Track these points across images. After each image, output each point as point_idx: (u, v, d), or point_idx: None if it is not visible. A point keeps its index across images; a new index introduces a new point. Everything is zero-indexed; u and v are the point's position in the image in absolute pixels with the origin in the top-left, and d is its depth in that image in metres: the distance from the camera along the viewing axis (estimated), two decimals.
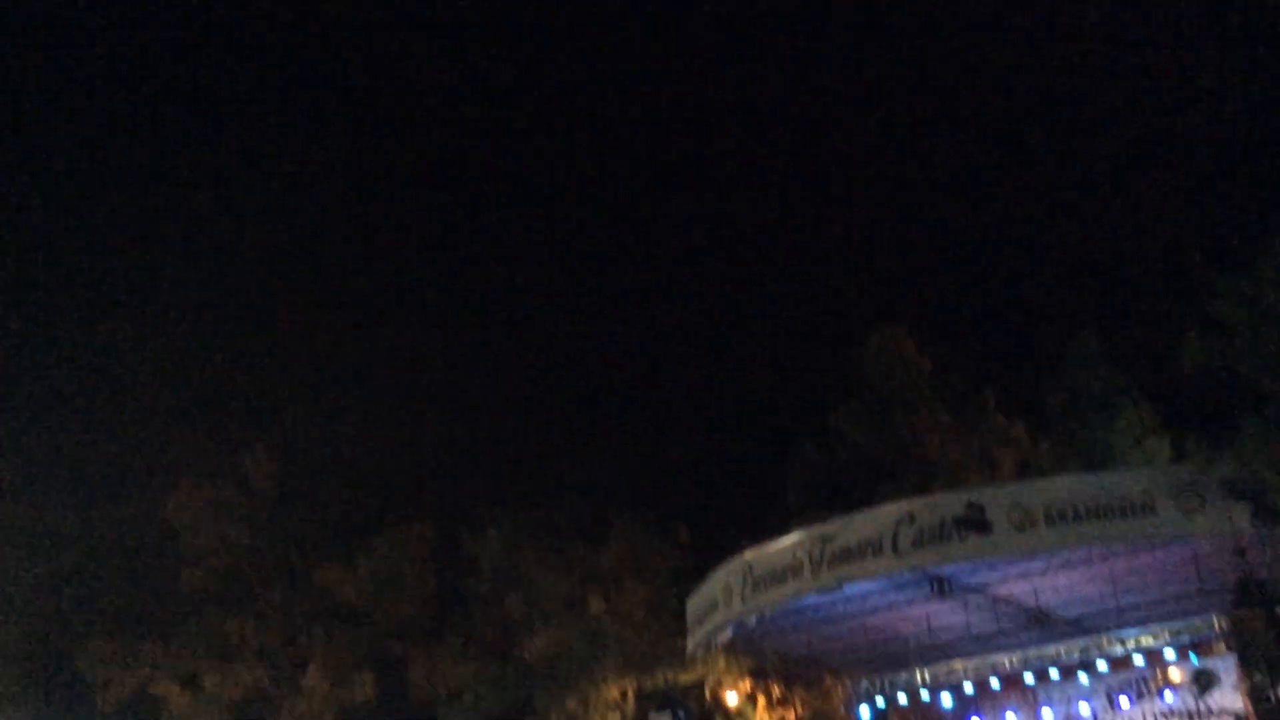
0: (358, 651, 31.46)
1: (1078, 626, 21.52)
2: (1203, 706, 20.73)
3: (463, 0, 50.93)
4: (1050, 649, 22.07)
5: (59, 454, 31.89)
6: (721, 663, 26.87)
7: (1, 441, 30.04)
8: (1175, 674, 21.14)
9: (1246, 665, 18.96)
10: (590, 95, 54.41)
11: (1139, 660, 21.09)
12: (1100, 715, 22.02)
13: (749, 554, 20.50)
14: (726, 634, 21.85)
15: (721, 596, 21.05)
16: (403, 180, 49.26)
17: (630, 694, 29.03)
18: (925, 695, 22.95)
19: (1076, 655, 21.81)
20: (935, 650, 22.45)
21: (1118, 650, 21.35)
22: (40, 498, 30.87)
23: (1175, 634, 20.89)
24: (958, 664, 22.84)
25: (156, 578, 31.89)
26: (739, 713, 28.07)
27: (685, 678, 27.89)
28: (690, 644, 23.52)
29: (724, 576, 21.06)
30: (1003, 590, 20.34)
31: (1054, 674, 21.99)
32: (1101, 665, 21.43)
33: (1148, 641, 21.04)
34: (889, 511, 18.87)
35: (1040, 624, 21.22)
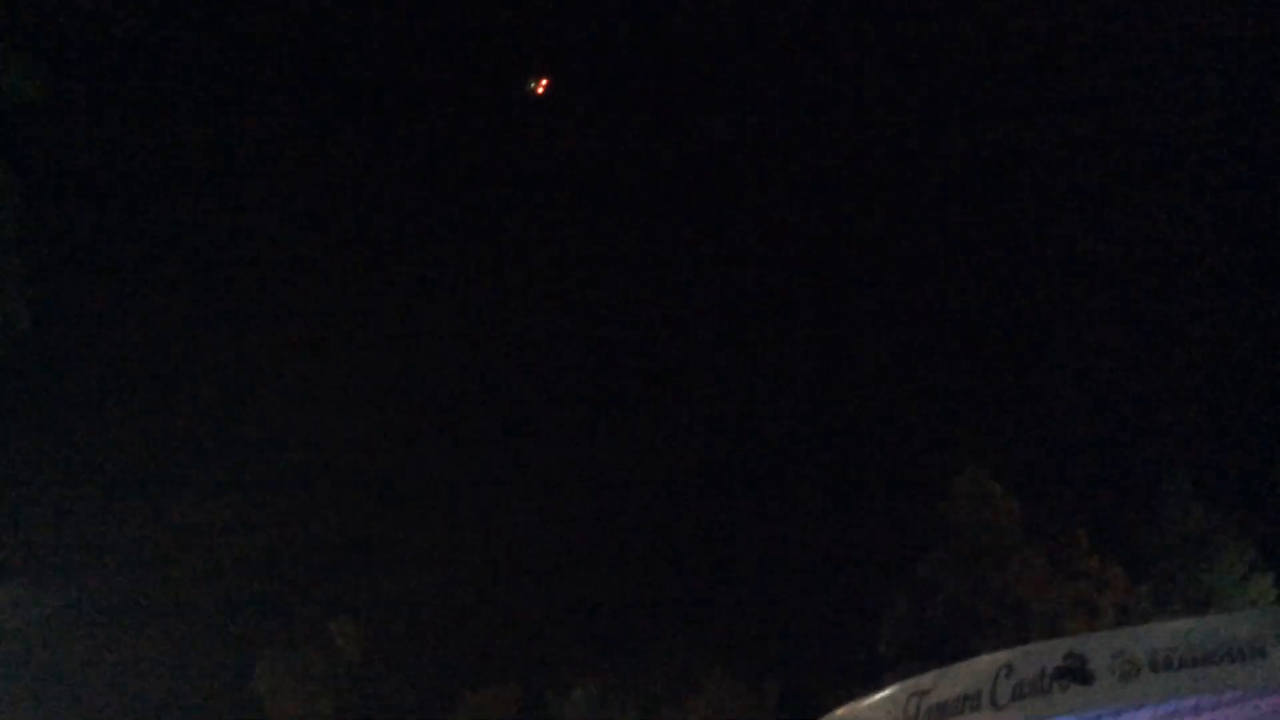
0: None
1: None
2: None
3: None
4: None
5: (150, 623, 32.22)
6: None
7: (96, 607, 30.47)
8: None
9: None
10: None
11: None
12: None
13: (841, 711, 19.88)
14: None
15: None
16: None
17: None
18: None
19: None
20: None
21: None
22: (131, 665, 31.11)
23: None
24: None
25: None
26: None
27: None
28: None
29: None
30: None
31: None
32: None
33: None
34: (986, 663, 18.26)
35: None
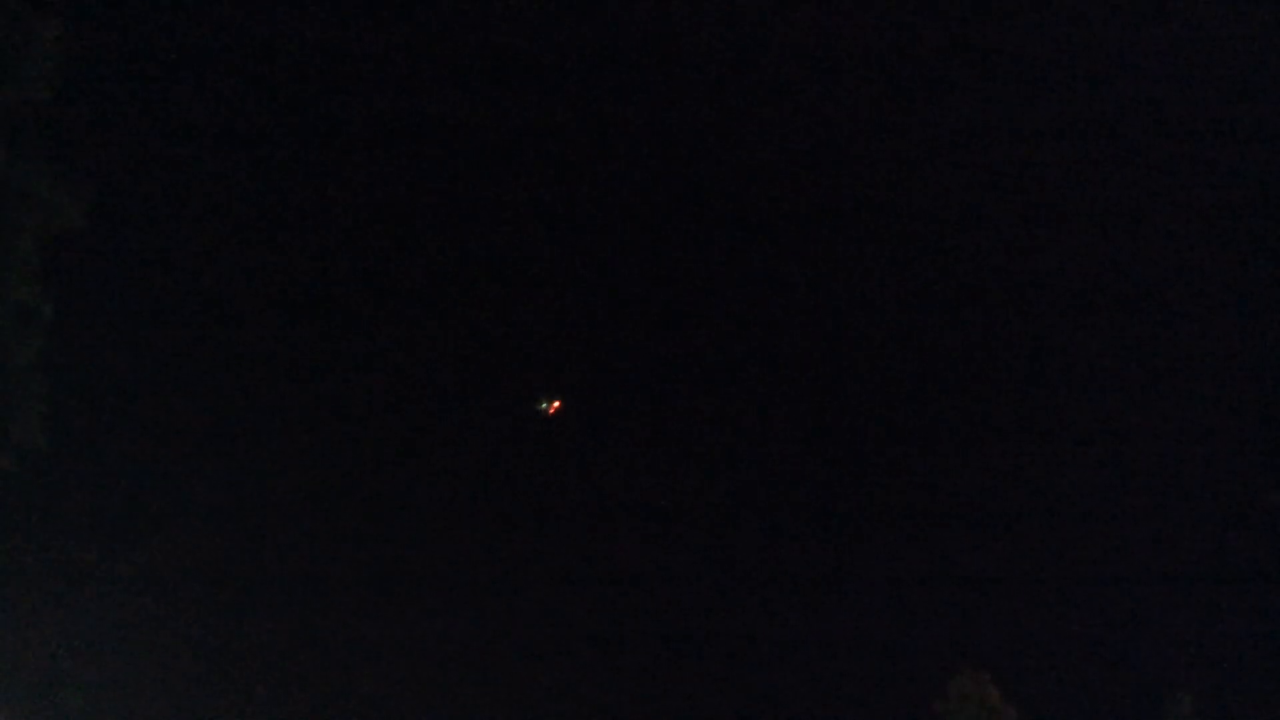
0: None
1: None
2: None
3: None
4: None
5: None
6: None
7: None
8: None
9: None
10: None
11: None
12: None
13: None
14: None
15: None
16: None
17: None
18: None
19: None
20: None
21: None
22: None
23: None
24: None
25: None
26: None
27: None
28: None
29: None
30: None
31: None
32: None
33: None
34: None
35: None
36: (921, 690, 29.39)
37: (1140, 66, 41.12)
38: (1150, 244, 42.82)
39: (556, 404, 35.05)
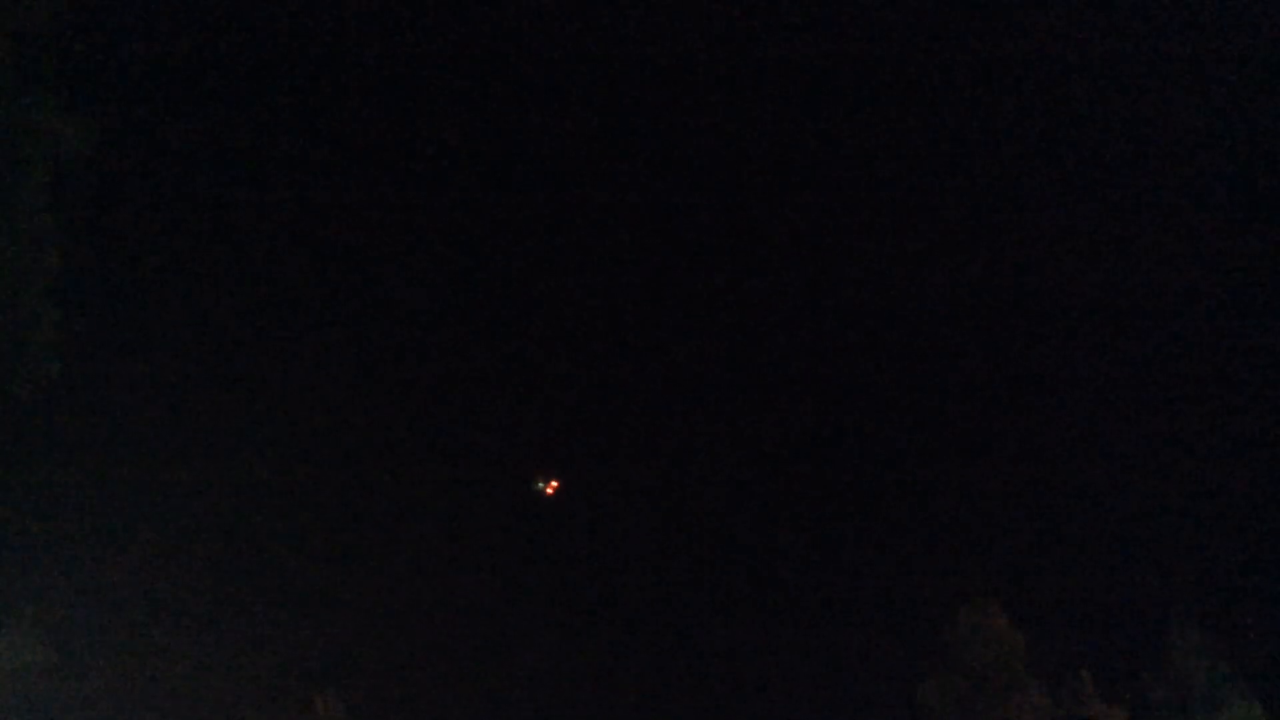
0: None
1: None
2: None
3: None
4: None
5: (140, 680, 31.87)
6: None
7: (84, 674, 30.18)
8: None
9: None
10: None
11: None
12: None
13: None
14: None
15: None
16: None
17: None
18: None
19: None
20: None
21: None
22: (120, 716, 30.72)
23: None
24: None
25: None
26: None
27: None
28: None
29: None
30: None
31: None
32: None
33: None
34: None
35: None
36: (931, 619, 29.56)
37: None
38: None
39: (554, 484, 35.42)
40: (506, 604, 38.91)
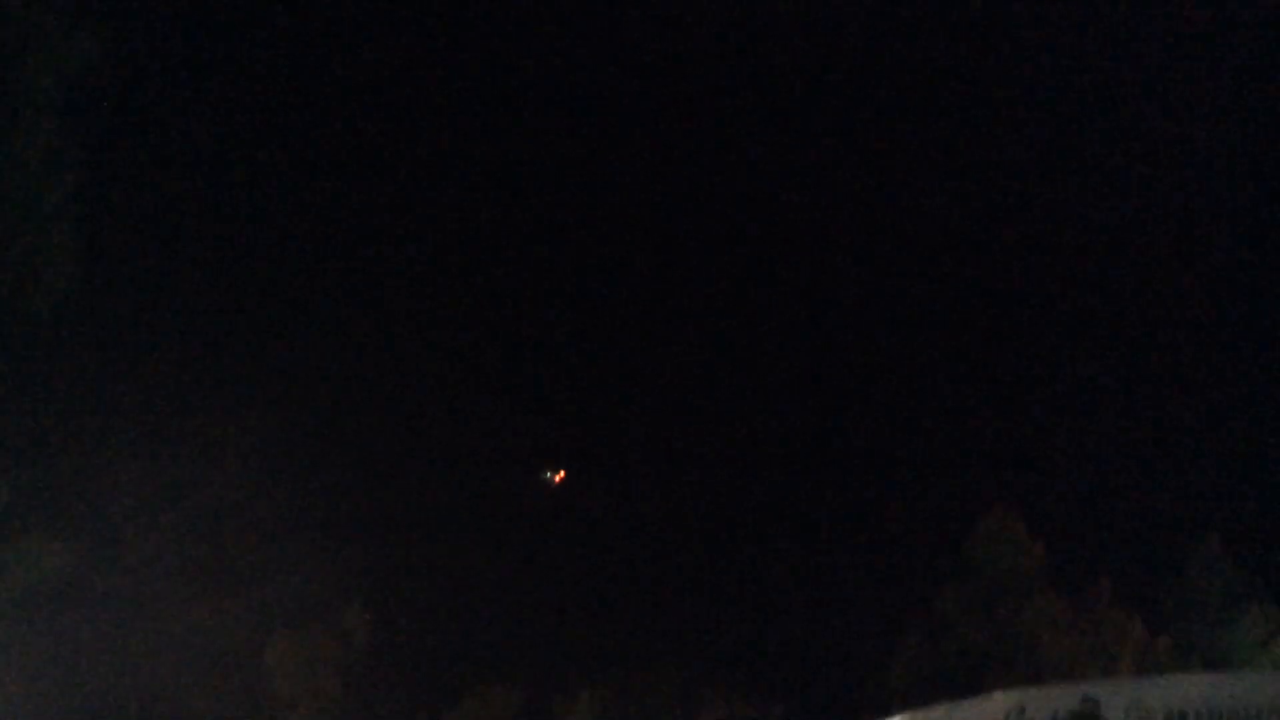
0: None
1: None
2: None
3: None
4: None
5: (166, 586, 32.38)
6: None
7: (107, 580, 30.66)
8: None
9: None
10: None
11: None
12: None
13: None
14: None
15: None
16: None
17: None
18: None
19: None
20: None
21: None
22: (145, 625, 31.28)
23: None
24: None
25: None
26: None
27: None
28: None
29: None
30: None
31: None
32: None
33: None
34: (998, 701, 18.02)
35: None
36: (951, 529, 29.72)
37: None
38: None
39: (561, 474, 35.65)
40: (524, 527, 39.44)
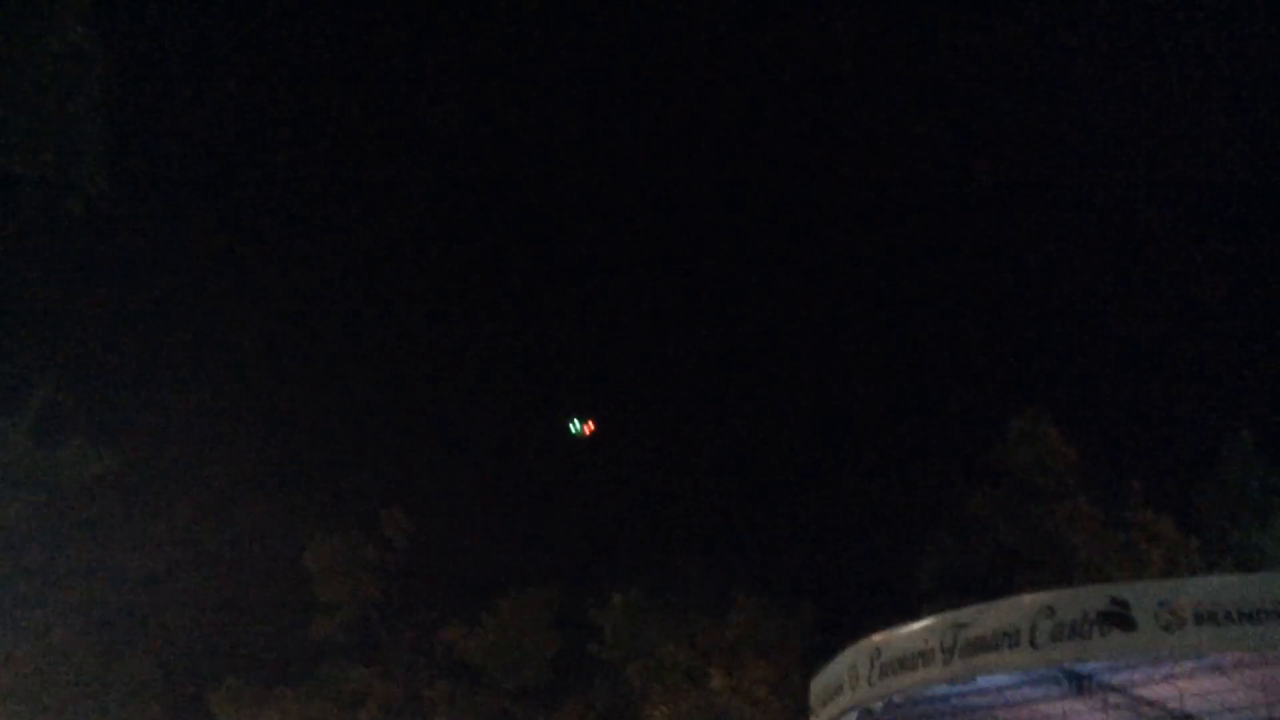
0: (478, 711, 31.62)
1: None
2: None
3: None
4: None
5: (205, 492, 32.93)
6: None
7: (149, 485, 31.19)
8: None
9: None
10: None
11: None
12: None
13: (878, 637, 19.97)
14: (850, 719, 21.24)
15: (847, 679, 20.49)
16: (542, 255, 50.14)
17: None
18: None
19: None
20: None
21: None
22: (184, 529, 31.87)
23: None
24: None
25: (289, 624, 32.66)
26: None
27: None
28: None
29: (850, 658, 20.53)
30: (1145, 691, 19.37)
31: None
32: None
33: None
34: (1028, 602, 18.20)
35: None
36: (983, 431, 29.70)
37: None
38: None
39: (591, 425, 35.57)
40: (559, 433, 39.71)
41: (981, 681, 18.82)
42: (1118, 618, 17.10)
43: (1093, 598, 17.48)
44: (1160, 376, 37.43)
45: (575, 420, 34.88)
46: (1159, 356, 39.59)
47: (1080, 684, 18.56)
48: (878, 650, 19.72)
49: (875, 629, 20.19)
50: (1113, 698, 19.50)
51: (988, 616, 18.32)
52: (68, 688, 28.45)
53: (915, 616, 19.81)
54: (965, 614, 18.72)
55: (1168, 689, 19.08)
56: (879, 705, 20.04)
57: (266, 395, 37.25)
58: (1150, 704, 19.78)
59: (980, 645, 18.16)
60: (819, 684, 22.26)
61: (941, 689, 19.33)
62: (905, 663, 19.11)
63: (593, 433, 34.57)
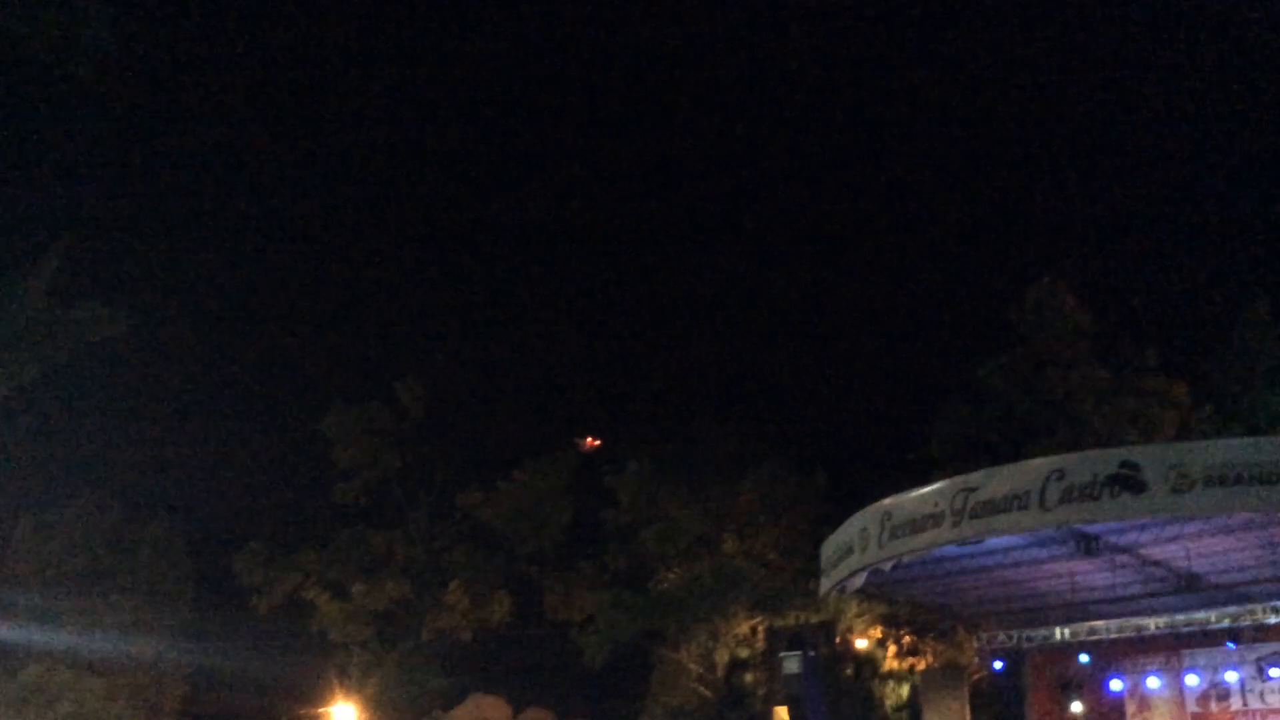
0: (496, 573, 32.32)
1: (1230, 593, 20.70)
2: None
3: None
4: (1199, 614, 21.29)
5: (225, 370, 33.14)
6: (853, 608, 26.78)
7: (171, 358, 31.39)
8: None
9: None
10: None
11: None
12: (1248, 684, 21.25)
13: (888, 501, 20.17)
14: (860, 580, 21.56)
15: (858, 541, 20.78)
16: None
17: (760, 631, 29.17)
18: (1063, 653, 22.46)
19: (1226, 622, 20.98)
20: (1077, 609, 21.86)
21: (1271, 619, 20.49)
22: (205, 409, 32.16)
23: None
24: (1099, 624, 22.24)
25: (311, 490, 33.22)
26: (868, 658, 27.98)
27: (816, 619, 27.88)
28: (823, 587, 23.36)
29: (861, 521, 20.77)
30: (1153, 552, 19.64)
31: (1201, 640, 21.28)
32: (1252, 634, 20.63)
33: None
34: (1038, 465, 18.32)
35: (1190, 588, 20.47)
36: (998, 299, 29.61)
37: None
38: None
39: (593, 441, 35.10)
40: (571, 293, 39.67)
41: (991, 543, 19.07)
42: (1128, 480, 17.20)
43: (1103, 461, 17.56)
44: (1176, 244, 37.14)
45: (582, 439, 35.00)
46: (1175, 224, 39.24)
47: (1088, 545, 18.78)
48: (888, 513, 19.93)
49: (887, 496, 20.41)
50: (1120, 558, 19.78)
51: (997, 480, 18.45)
52: (96, 549, 29.08)
53: (926, 482, 19.97)
54: (975, 478, 18.84)
55: (1175, 549, 19.33)
56: (888, 566, 20.33)
57: (279, 264, 37.21)
58: (1157, 564, 20.08)
59: (990, 508, 18.32)
60: (830, 546, 22.60)
61: (951, 550, 19.55)
62: (915, 525, 19.30)
63: (595, 447, 34.79)
